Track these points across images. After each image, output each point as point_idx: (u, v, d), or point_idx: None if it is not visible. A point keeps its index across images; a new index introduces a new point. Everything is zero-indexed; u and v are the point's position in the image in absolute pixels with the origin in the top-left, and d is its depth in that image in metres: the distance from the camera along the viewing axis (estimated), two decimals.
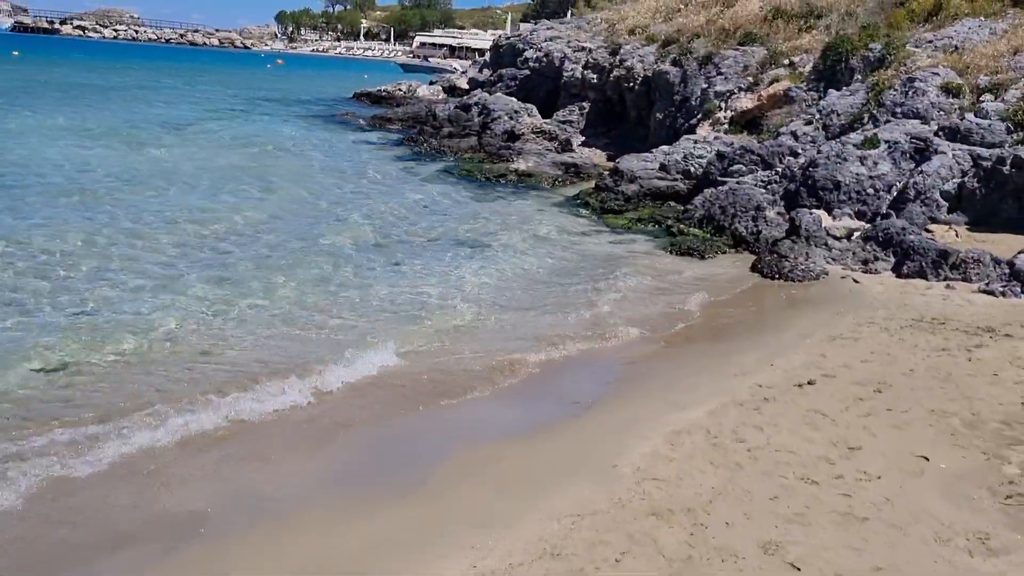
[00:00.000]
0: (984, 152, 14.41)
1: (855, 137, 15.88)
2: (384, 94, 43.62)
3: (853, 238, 13.05)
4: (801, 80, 20.83)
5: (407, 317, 9.89)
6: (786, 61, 22.06)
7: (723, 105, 21.93)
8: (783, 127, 18.27)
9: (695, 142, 19.61)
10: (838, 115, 17.69)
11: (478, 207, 17.16)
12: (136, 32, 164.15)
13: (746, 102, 21.24)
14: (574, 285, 11.86)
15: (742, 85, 22.14)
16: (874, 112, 17.10)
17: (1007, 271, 11.14)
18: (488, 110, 26.96)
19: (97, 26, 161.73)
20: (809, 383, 7.25)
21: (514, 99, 27.80)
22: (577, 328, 9.61)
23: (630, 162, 18.84)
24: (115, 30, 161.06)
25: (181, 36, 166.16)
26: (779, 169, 16.58)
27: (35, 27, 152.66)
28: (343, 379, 7.84)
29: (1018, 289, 10.67)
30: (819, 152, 15.50)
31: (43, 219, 13.35)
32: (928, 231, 13.54)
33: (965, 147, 14.68)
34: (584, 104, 28.79)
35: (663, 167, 18.58)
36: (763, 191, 15.51)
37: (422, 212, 16.28)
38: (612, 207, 17.38)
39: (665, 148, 19.54)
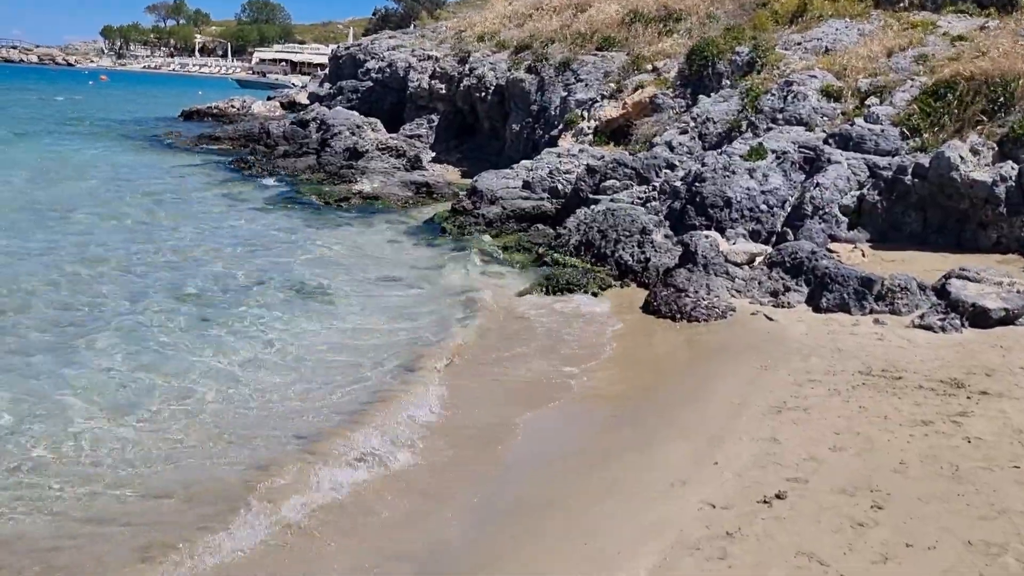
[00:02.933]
0: (881, 161, 12.97)
1: (739, 147, 14.21)
2: (215, 111, 39.83)
3: (756, 264, 11.22)
4: (667, 86, 19.22)
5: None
6: (649, 67, 20.45)
7: (586, 114, 20.07)
8: (656, 137, 16.50)
9: (559, 155, 17.61)
10: (714, 123, 16.07)
11: (314, 239, 14.46)
12: None
13: (611, 111, 19.44)
14: (426, 337, 9.49)
15: (604, 93, 20.37)
16: (752, 119, 15.55)
17: (940, 301, 9.51)
18: (327, 125, 24.15)
19: None
20: (778, 496, 5.11)
21: (356, 113, 25.10)
22: (422, 416, 7.19)
23: (489, 180, 16.60)
24: None
25: None
26: (656, 184, 14.74)
27: None
28: None
29: (957, 322, 9.03)
30: (704, 165, 13.71)
31: None
32: (830, 251, 11.92)
33: (859, 156, 13.21)
34: (433, 117, 26.50)
35: (527, 185, 16.44)
36: (644, 210, 13.57)
37: (244, 248, 13.45)
38: (472, 232, 15.07)
39: (527, 163, 17.43)
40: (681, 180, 14.10)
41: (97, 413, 7.06)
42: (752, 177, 13.29)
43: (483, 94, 24.01)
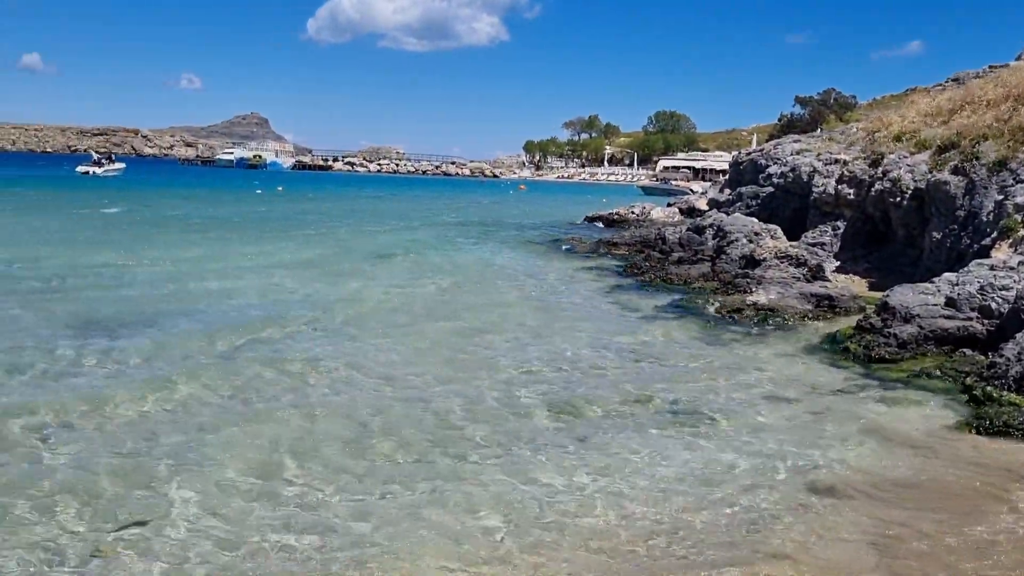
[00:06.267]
0: None
1: None
2: (616, 217, 41.38)
3: None
4: None
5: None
6: None
7: None
8: None
9: (992, 268, 15.05)
10: None
11: (702, 355, 13.60)
12: (396, 166, 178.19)
13: None
14: (829, 476, 8.05)
15: None
16: None
17: None
18: (724, 232, 23.46)
19: (364, 161, 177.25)
20: None
21: (754, 219, 24.14)
22: None
23: (903, 295, 14.59)
24: (379, 164, 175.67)
25: (436, 167, 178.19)
26: None
27: (312, 165, 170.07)
28: None
29: None
30: None
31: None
32: None
33: None
34: (838, 224, 24.59)
35: (951, 302, 14.17)
36: None
37: (628, 362, 12.98)
38: (881, 355, 13.21)
39: (950, 277, 15.11)
40: None
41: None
42: None
43: (898, 199, 21.77)
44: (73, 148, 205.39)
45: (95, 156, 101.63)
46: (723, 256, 22.38)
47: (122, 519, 6.76)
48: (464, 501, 7.39)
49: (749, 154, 35.27)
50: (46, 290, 16.93)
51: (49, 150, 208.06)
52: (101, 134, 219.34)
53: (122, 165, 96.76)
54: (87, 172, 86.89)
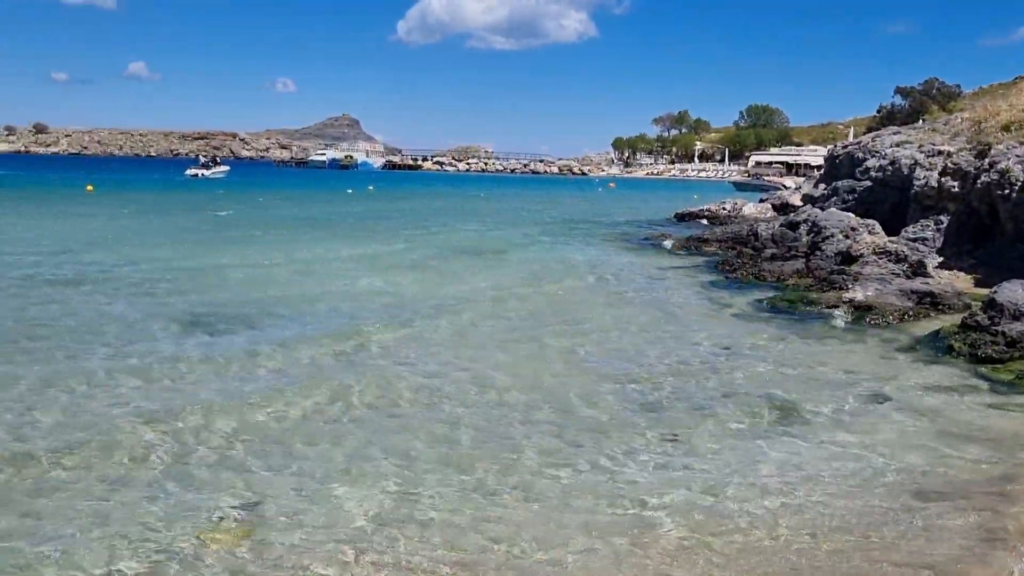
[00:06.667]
0: None
1: None
2: (706, 213, 41.04)
3: None
4: None
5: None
6: None
7: None
8: None
9: None
10: None
11: (795, 354, 13.34)
12: (485, 164, 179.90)
13: None
14: (945, 482, 7.92)
15: None
16: None
17: None
18: (818, 228, 23.01)
19: (452, 160, 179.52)
20: None
21: (851, 214, 23.60)
22: None
23: (1013, 292, 14.09)
24: (468, 163, 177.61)
25: (524, 166, 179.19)
26: None
27: (402, 164, 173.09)
28: None
29: None
30: None
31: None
32: None
33: None
34: (941, 218, 23.81)
35: None
36: None
37: (717, 360, 12.80)
38: (988, 354, 12.78)
39: None
40: None
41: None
42: None
43: (1006, 191, 20.95)
44: (175, 152, 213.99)
45: (202, 160, 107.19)
46: (818, 252, 21.94)
47: (260, 520, 6.96)
48: (606, 511, 7.33)
49: (846, 147, 34.45)
50: (173, 291, 17.48)
51: (153, 154, 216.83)
52: (201, 138, 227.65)
53: (227, 168, 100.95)
54: (195, 175, 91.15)
